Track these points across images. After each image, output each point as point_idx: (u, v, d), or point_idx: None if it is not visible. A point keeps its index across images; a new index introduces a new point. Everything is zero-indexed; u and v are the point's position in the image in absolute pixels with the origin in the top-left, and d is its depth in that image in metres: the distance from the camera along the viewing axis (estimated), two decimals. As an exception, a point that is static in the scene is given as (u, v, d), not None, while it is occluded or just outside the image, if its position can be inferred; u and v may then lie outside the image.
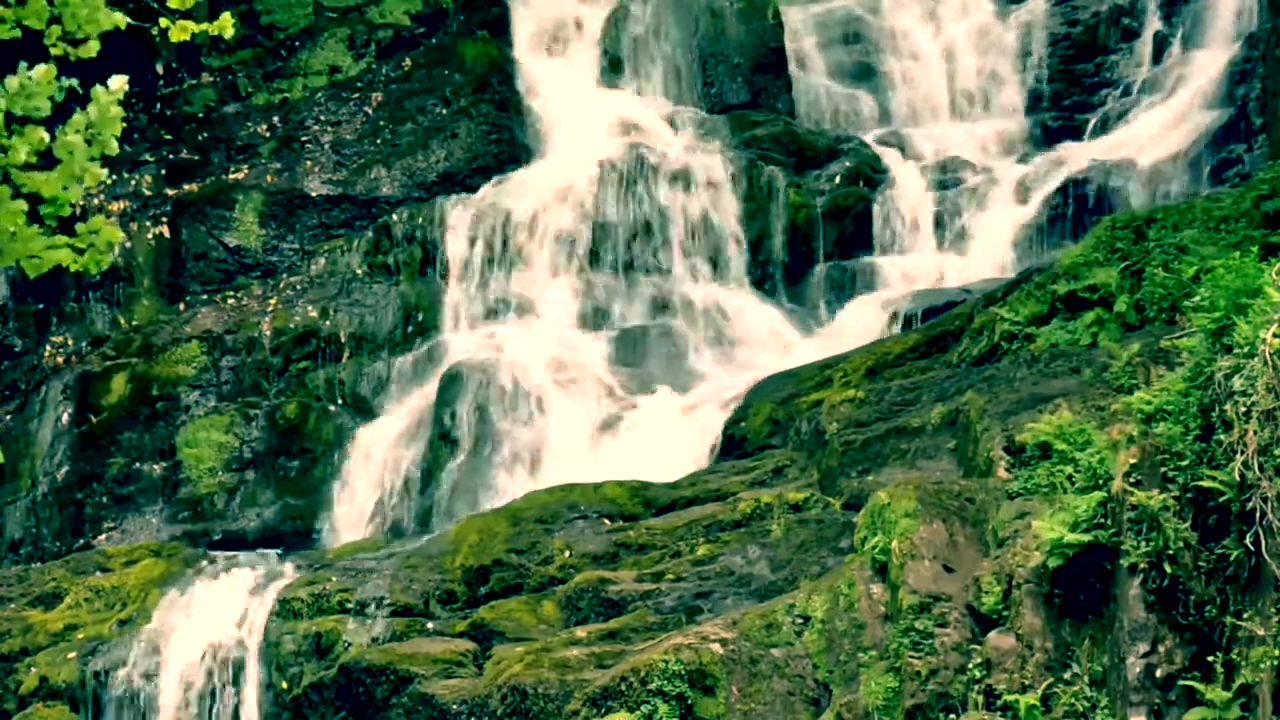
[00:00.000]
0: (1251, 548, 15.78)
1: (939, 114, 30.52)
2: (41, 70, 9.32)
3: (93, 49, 9.66)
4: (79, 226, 9.67)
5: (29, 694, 21.05)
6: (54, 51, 9.60)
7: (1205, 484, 16.18)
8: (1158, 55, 29.74)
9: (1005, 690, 17.03)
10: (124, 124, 9.58)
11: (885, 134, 29.87)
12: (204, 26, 10.17)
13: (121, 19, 9.66)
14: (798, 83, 30.59)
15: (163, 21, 10.10)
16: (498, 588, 21.22)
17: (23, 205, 9.46)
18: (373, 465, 25.64)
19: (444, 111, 29.06)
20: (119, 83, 9.45)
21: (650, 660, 18.17)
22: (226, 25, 10.15)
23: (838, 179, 28.46)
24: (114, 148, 9.55)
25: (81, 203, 9.79)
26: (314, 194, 28.38)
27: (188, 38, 10.04)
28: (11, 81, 9.39)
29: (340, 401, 26.46)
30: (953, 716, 17.19)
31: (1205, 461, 16.32)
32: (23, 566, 23.92)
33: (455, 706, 19.24)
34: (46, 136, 9.39)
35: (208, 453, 25.91)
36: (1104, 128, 29.32)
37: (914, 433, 21.05)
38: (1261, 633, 15.58)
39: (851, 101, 30.58)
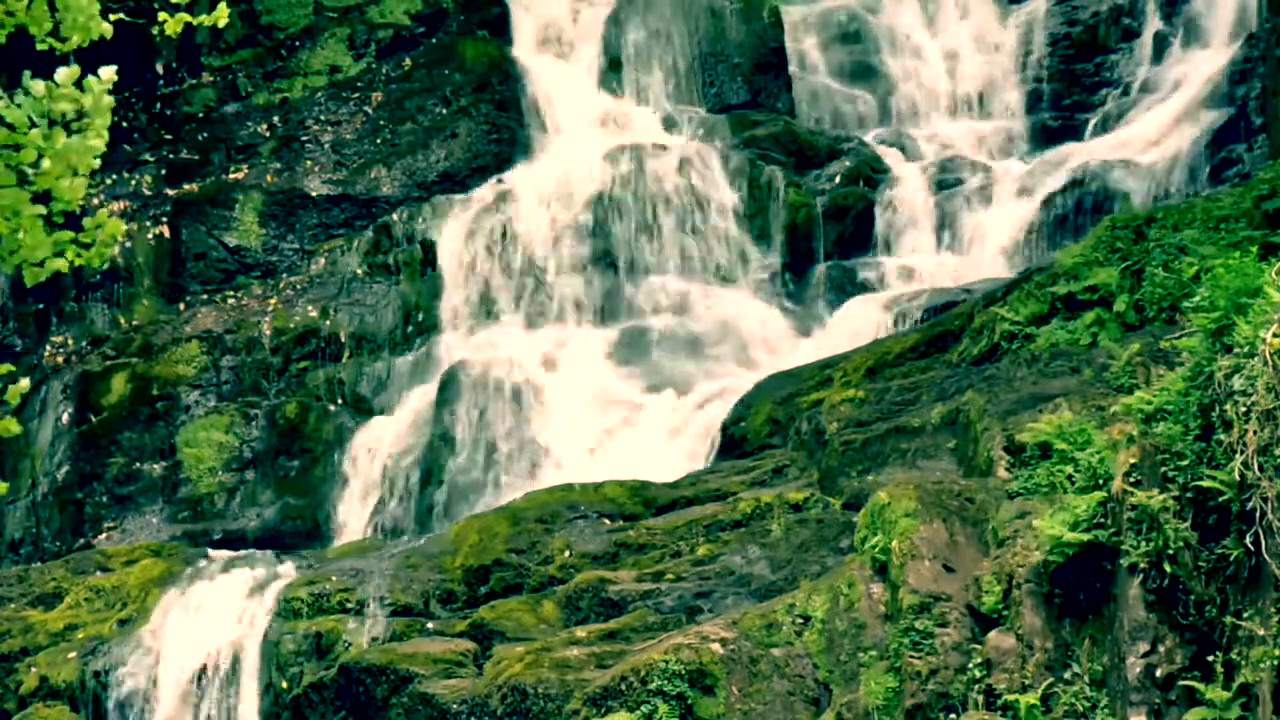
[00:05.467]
0: (1251, 548, 15.78)
1: (939, 114, 30.47)
2: (64, 73, 9.50)
3: (82, 41, 9.87)
4: (86, 221, 9.83)
5: (29, 694, 21.05)
6: (40, 47, 9.80)
7: (1205, 484, 16.18)
8: (1158, 55, 29.69)
9: (1005, 690, 17.02)
10: (124, 124, 9.76)
11: (885, 134, 29.81)
12: (200, 18, 10.31)
13: (108, 28, 9.85)
14: (798, 83, 30.55)
15: (161, 15, 10.25)
16: (498, 587, 21.21)
17: (41, 210, 9.63)
18: (373, 465, 25.62)
19: (444, 111, 29.05)
20: (109, 72, 9.64)
21: (650, 660, 18.16)
22: (222, 15, 10.27)
23: (838, 179, 28.43)
24: (105, 135, 9.72)
25: (81, 202, 9.93)
26: (314, 194, 28.37)
27: (180, 29, 10.19)
28: (37, 85, 9.55)
29: (340, 401, 26.45)
30: (953, 716, 17.19)
31: (1205, 461, 16.32)
32: (23, 566, 23.91)
33: (455, 706, 19.23)
34: (68, 140, 9.56)
35: (208, 452, 25.91)
36: (1104, 128, 29.27)
37: (914, 432, 21.04)
38: (1261, 633, 15.58)
39: (851, 101, 30.54)
